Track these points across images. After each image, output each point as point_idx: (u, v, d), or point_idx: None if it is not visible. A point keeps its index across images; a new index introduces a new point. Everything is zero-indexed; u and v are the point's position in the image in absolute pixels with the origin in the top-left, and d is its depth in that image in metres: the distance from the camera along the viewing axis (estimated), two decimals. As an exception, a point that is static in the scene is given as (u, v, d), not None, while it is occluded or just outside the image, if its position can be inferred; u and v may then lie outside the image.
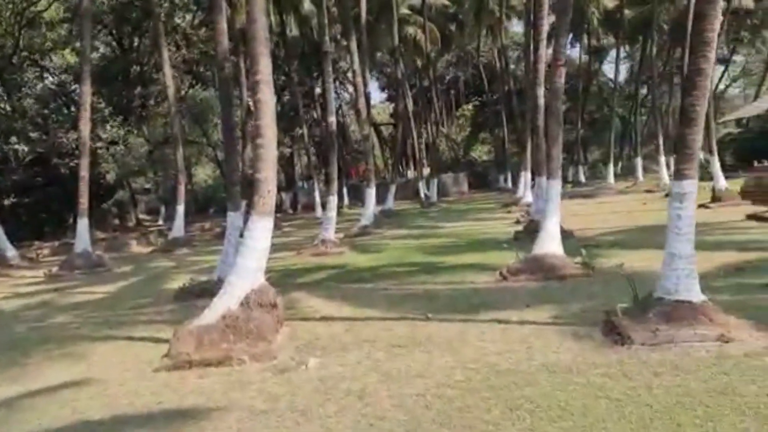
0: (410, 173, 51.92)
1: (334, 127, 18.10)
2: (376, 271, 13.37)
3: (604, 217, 20.91)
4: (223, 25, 12.15)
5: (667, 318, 6.86)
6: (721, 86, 52.42)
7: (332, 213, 17.63)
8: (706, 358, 6.01)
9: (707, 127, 25.36)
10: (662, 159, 34.27)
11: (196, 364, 7.10)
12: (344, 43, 26.32)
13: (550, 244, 11.43)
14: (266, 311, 7.91)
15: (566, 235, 12.55)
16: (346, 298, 10.73)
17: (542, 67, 17.17)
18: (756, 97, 47.88)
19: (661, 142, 35.39)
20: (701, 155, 39.79)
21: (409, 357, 6.95)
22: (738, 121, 46.32)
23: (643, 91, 51.39)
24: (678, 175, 7.08)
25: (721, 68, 49.82)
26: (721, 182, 21.44)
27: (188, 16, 38.15)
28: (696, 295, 6.97)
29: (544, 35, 15.68)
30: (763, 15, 45.79)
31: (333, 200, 17.88)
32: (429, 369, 6.46)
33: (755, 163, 22.32)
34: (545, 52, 17.52)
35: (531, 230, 15.29)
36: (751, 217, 15.95)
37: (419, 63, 46.09)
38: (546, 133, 13.17)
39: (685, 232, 7.04)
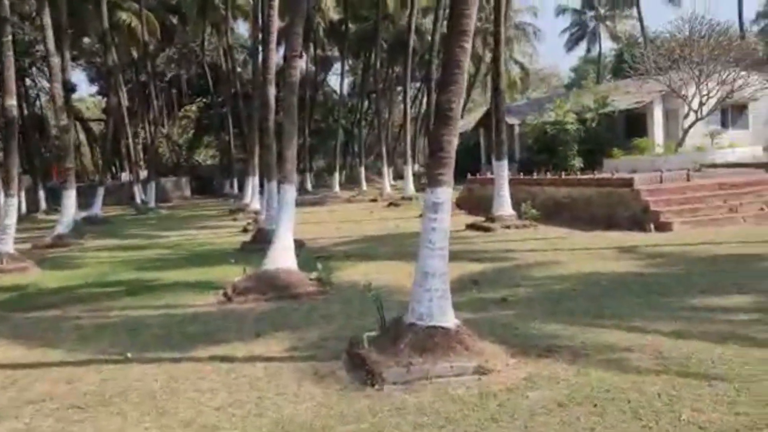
0: (125, 176, 46.85)
1: (14, 112, 14.49)
2: (68, 294, 10.65)
3: (336, 225, 20.39)
4: None
5: (421, 348, 5.86)
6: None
7: (10, 220, 14.03)
8: (468, 399, 5.07)
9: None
10: (385, 170, 35.58)
11: None
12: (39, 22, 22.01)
13: (282, 258, 10.04)
14: None
15: (298, 244, 11.32)
16: (19, 333, 8.06)
17: (273, 64, 15.89)
18: (462, 115, 53.08)
19: (384, 153, 36.76)
20: (416, 166, 42.57)
21: (90, 424, 4.91)
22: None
23: (366, 104, 53.79)
24: (432, 181, 6.17)
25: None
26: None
27: None
28: (450, 320, 6.11)
29: (275, 29, 14.36)
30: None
31: (12, 203, 14.26)
32: (118, 446, 4.52)
33: (468, 175, 23.87)
34: (275, 48, 16.26)
35: (260, 240, 13.86)
36: (470, 226, 16.56)
37: (135, 55, 41.81)
38: (278, 133, 11.81)
39: (440, 246, 6.15)
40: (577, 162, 26.51)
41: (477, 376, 5.53)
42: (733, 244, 11.51)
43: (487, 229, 15.82)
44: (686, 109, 25.01)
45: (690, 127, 24.42)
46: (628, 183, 14.98)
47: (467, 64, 6.21)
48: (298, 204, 12.89)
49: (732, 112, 27.45)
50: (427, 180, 6.32)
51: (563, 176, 19.16)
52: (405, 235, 16.44)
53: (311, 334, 7.24)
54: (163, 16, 43.01)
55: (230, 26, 44.26)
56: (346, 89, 58.69)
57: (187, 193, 46.57)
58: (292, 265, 10.06)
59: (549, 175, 20.02)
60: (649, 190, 14.63)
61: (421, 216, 17.78)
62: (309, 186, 45.01)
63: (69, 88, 22.26)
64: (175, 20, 45.27)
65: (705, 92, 23.86)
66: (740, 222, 13.80)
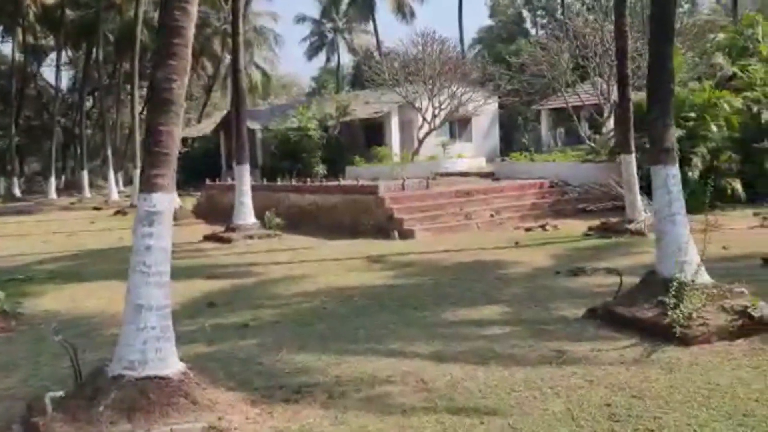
0: None
1: None
2: None
3: (44, 238, 17.15)
4: None
5: (129, 409, 4.34)
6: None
7: None
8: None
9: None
10: (111, 174, 31.86)
11: None
12: None
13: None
14: None
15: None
16: None
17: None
18: (200, 119, 50.41)
19: (110, 155, 32.92)
20: (137, 172, 39.10)
21: None
22: (183, 142, 47.79)
23: (90, 102, 48.19)
24: (146, 185, 4.67)
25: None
26: (176, 201, 20.28)
27: None
28: (173, 366, 4.68)
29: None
30: (204, 41, 48.53)
31: None
32: None
33: (207, 181, 22.08)
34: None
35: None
36: (208, 237, 14.95)
37: None
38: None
39: (158, 271, 4.69)
40: (321, 169, 26.26)
41: (210, 441, 4.21)
42: (472, 250, 11.69)
43: (227, 240, 14.36)
44: (420, 120, 26.26)
45: (425, 137, 25.65)
46: (373, 191, 14.73)
47: (191, 35, 4.83)
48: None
49: (459, 126, 29.66)
50: (140, 183, 4.79)
51: (308, 183, 18.49)
52: (126, 248, 14.26)
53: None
54: None
55: None
56: (65, 84, 52.19)
57: None
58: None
59: (294, 182, 19.19)
60: (392, 198, 14.52)
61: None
62: (17, 192, 38.75)
63: None
64: None
65: (437, 105, 25.24)
66: (474, 228, 14.32)
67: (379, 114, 28.54)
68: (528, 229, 13.88)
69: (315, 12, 55.36)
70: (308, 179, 20.35)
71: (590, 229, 12.86)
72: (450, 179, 18.63)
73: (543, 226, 13.92)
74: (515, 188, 16.57)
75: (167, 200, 4.68)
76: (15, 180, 40.35)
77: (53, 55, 46.16)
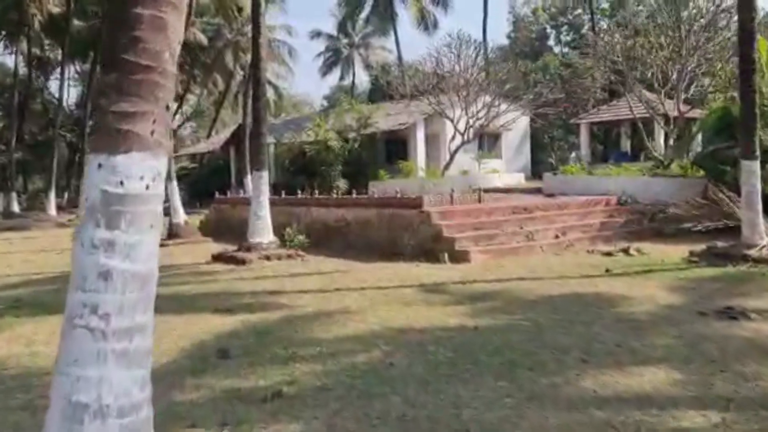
0: None
1: None
2: None
3: (27, 257, 14.79)
4: None
5: None
6: (174, 125, 51.34)
7: None
8: None
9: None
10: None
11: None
12: None
13: None
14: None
15: None
16: None
17: None
18: (209, 135, 48.34)
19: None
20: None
21: None
22: (192, 157, 45.67)
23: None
24: (106, 140, 2.21)
25: (174, 105, 48.73)
26: (181, 215, 17.88)
27: None
28: None
29: None
30: (216, 55, 46.62)
31: None
32: None
33: (217, 195, 19.72)
34: None
35: None
36: (218, 258, 12.48)
37: None
38: None
39: (125, 328, 2.22)
40: (342, 183, 23.82)
41: None
42: (552, 279, 9.19)
43: (240, 261, 11.89)
44: (449, 132, 23.90)
45: (457, 150, 23.23)
46: (417, 204, 12.24)
47: None
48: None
49: (488, 140, 27.27)
50: (92, 141, 2.33)
51: (335, 195, 16.06)
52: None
53: None
54: None
55: None
56: (73, 98, 50.33)
57: None
58: None
59: (317, 194, 16.73)
60: (440, 213, 12.02)
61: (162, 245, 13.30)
62: (16, 208, 36.51)
63: None
64: None
65: (472, 115, 22.87)
66: (539, 251, 11.82)
67: (403, 126, 26.16)
68: (608, 254, 11.36)
69: (330, 27, 53.49)
70: (329, 193, 17.97)
71: (693, 254, 10.32)
72: (496, 195, 16.13)
73: (625, 250, 11.39)
74: (579, 205, 14.06)
75: (151, 168, 2.24)
76: (14, 196, 38.14)
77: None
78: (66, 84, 41.55)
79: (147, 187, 2.21)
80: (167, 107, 2.34)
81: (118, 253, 2.17)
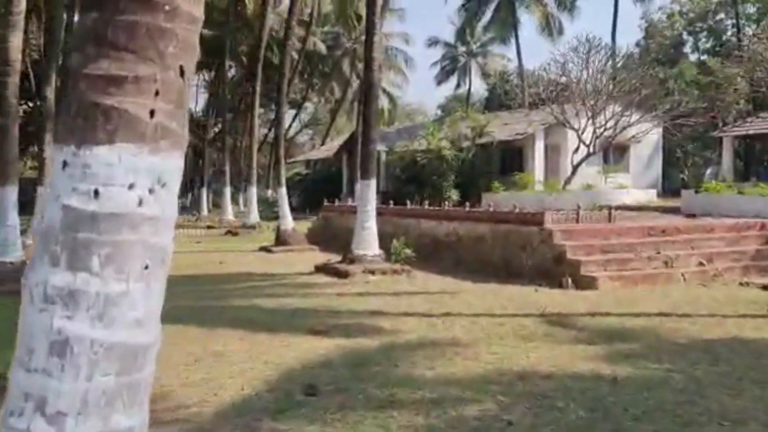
0: None
1: None
2: None
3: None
4: None
5: None
6: (292, 131, 52.32)
7: None
8: None
9: (277, 162, 22.46)
10: (227, 194, 30.24)
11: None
12: None
13: None
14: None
15: None
16: None
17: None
18: (323, 142, 48.88)
19: (227, 174, 31.38)
20: (269, 192, 37.56)
21: None
22: (306, 164, 46.26)
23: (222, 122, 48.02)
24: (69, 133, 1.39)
25: (292, 113, 49.60)
26: (289, 222, 17.59)
27: None
28: None
29: None
30: (333, 64, 47.19)
31: None
32: None
33: (326, 202, 19.35)
34: None
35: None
36: (320, 269, 11.89)
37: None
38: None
39: None
40: (454, 194, 22.76)
41: None
42: (704, 317, 7.71)
43: (343, 274, 11.21)
44: (571, 143, 22.28)
45: (580, 162, 21.58)
46: (538, 220, 11.02)
47: None
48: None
49: (614, 152, 25.26)
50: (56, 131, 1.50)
51: (446, 207, 15.09)
52: (222, 276, 11.57)
53: None
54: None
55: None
56: (200, 104, 52.65)
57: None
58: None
59: (427, 205, 15.82)
60: (564, 232, 10.74)
61: (262, 249, 12.90)
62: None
63: None
64: None
65: (599, 125, 21.14)
66: (680, 280, 10.24)
67: (521, 135, 24.75)
68: (766, 288, 9.62)
69: (448, 35, 52.67)
70: (440, 205, 17.00)
71: None
72: (626, 213, 14.48)
73: (789, 285, 9.62)
74: (728, 228, 12.20)
75: (149, 171, 1.39)
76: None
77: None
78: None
79: (139, 203, 1.38)
80: (182, 73, 1.50)
81: (84, 312, 1.33)
